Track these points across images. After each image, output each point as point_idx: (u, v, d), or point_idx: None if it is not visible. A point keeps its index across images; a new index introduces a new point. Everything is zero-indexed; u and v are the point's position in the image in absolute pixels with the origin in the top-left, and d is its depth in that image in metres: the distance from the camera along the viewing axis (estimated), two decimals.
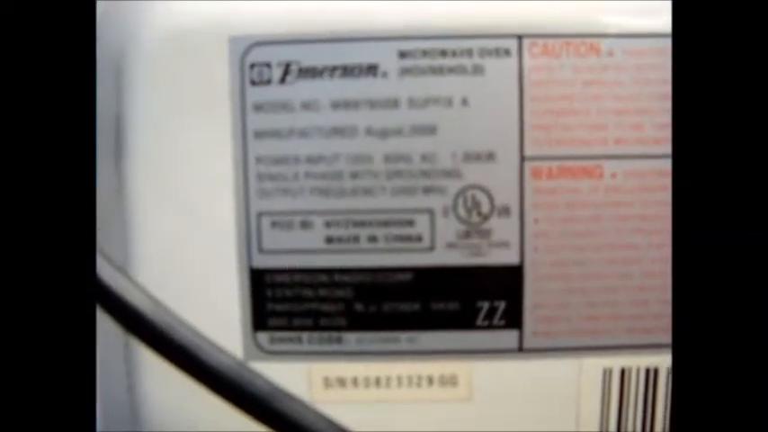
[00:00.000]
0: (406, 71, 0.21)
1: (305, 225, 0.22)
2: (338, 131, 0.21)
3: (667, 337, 0.22)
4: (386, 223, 0.22)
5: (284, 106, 0.21)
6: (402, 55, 0.21)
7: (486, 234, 0.22)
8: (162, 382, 0.23)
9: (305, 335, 0.22)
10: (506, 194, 0.21)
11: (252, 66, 0.21)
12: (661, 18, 0.21)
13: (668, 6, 0.21)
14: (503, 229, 0.22)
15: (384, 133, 0.21)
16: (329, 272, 0.22)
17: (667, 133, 0.21)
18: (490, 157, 0.21)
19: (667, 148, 0.21)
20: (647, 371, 0.22)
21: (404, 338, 0.22)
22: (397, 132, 0.21)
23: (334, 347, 0.22)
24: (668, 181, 0.22)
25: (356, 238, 0.22)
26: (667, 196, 0.22)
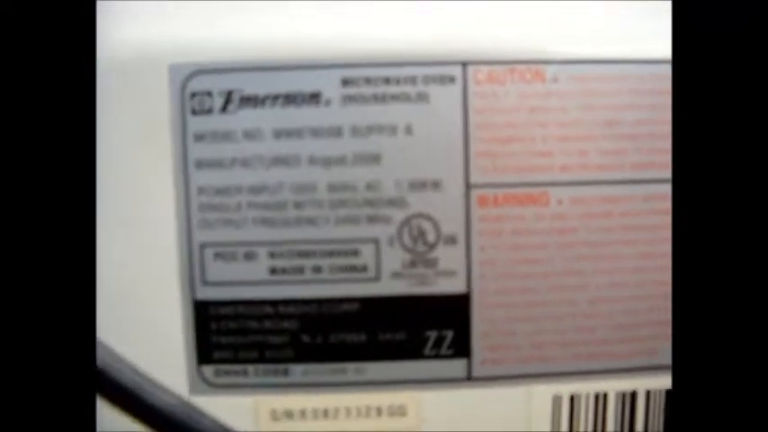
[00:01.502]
0: (349, 99, 0.21)
1: (249, 256, 0.21)
2: (281, 161, 0.21)
3: (615, 363, 0.22)
4: (331, 253, 0.21)
5: (226, 136, 0.21)
6: (345, 83, 0.21)
7: (432, 263, 0.21)
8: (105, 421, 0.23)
9: (251, 367, 0.22)
10: (452, 223, 0.21)
11: (193, 94, 0.21)
12: (605, 45, 0.21)
13: (612, 33, 0.22)
14: (449, 257, 0.21)
15: (327, 162, 0.21)
16: (274, 303, 0.22)
17: (612, 159, 0.21)
18: (435, 185, 0.21)
19: (612, 174, 0.21)
20: (597, 396, 0.22)
21: (351, 369, 0.22)
22: (341, 161, 0.21)
23: (281, 379, 0.22)
24: (613, 207, 0.22)
25: (301, 269, 0.21)
26: (612, 222, 0.22)
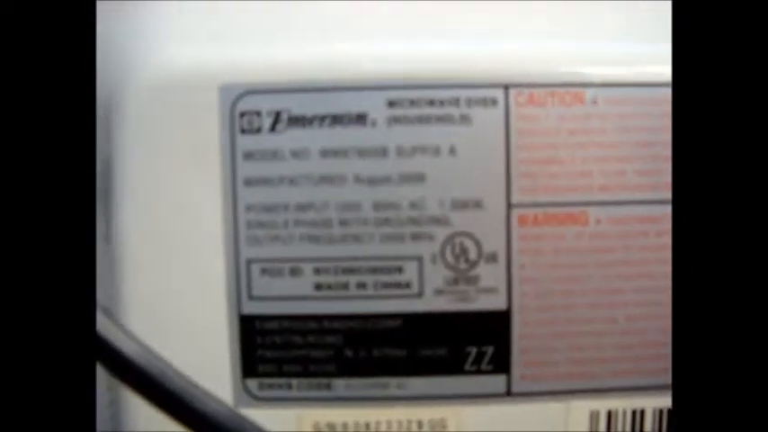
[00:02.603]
0: (394, 120, 0.22)
1: (294, 272, 0.22)
2: (327, 179, 0.22)
3: (652, 380, 0.22)
4: (375, 270, 0.22)
5: (274, 154, 0.22)
6: (390, 104, 0.22)
7: (473, 280, 0.22)
8: (148, 427, 0.23)
9: (294, 381, 0.22)
10: (493, 241, 0.22)
11: (242, 114, 0.22)
12: (643, 68, 0.22)
13: (650, 56, 0.22)
14: (490, 275, 0.22)
15: (373, 181, 0.22)
16: (318, 318, 0.22)
17: (649, 179, 0.22)
18: (477, 204, 0.22)
19: (650, 194, 0.22)
20: (634, 413, 0.23)
21: (393, 384, 0.22)
22: (386, 180, 0.22)
23: (324, 393, 0.22)
24: (651, 226, 0.22)
25: (345, 285, 0.22)
26: (650, 241, 0.22)
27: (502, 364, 0.22)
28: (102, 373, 0.23)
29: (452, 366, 0.22)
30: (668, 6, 0.22)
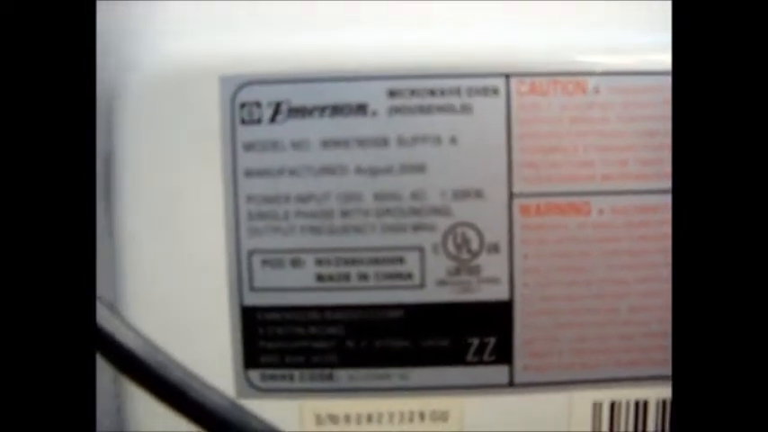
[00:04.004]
0: (395, 110, 0.21)
1: (296, 263, 0.22)
2: (328, 170, 0.22)
3: (655, 370, 0.22)
4: (376, 261, 0.22)
5: (274, 145, 0.22)
6: (391, 94, 0.21)
7: (475, 271, 0.22)
8: (152, 418, 0.23)
9: (296, 372, 0.22)
10: (495, 231, 0.22)
11: (242, 105, 0.22)
12: (645, 56, 0.22)
13: (652, 45, 0.22)
14: (492, 265, 0.22)
15: (374, 172, 0.22)
16: (320, 309, 0.22)
17: (652, 169, 0.22)
18: (479, 194, 0.22)
19: (652, 183, 0.22)
20: (637, 403, 0.23)
21: (395, 375, 0.22)
22: (387, 171, 0.22)
23: (326, 384, 0.22)
24: (654, 216, 0.22)
25: (347, 276, 0.22)
26: (653, 231, 0.22)
27: (504, 354, 0.22)
28: (106, 366, 0.23)
29: (454, 357, 0.22)
30: None
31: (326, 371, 0.22)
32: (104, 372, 0.23)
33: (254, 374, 0.22)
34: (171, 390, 0.20)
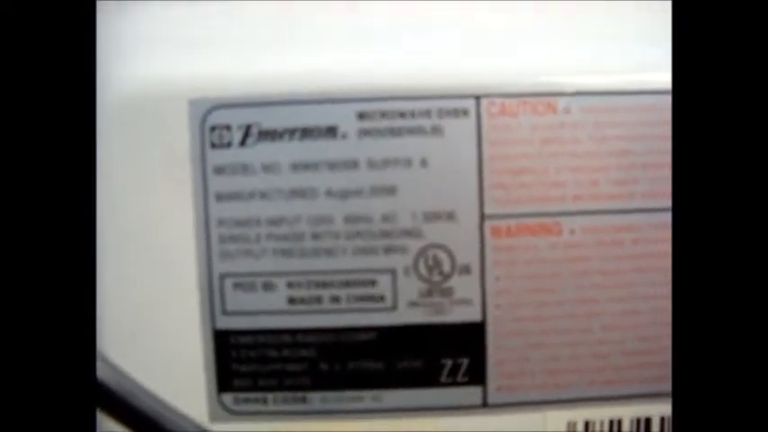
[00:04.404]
0: (365, 132, 0.21)
1: (268, 286, 0.22)
2: (299, 193, 0.22)
3: (629, 389, 0.22)
4: (348, 283, 0.22)
5: (245, 169, 0.22)
6: (361, 116, 0.21)
7: (447, 292, 0.22)
8: None
9: (270, 395, 0.22)
10: (467, 253, 0.22)
11: (212, 128, 0.22)
12: (616, 76, 0.22)
13: (623, 64, 0.22)
14: (464, 287, 0.22)
15: (344, 194, 0.22)
16: (293, 332, 0.22)
17: (624, 189, 0.22)
18: (450, 216, 0.22)
19: (624, 203, 0.22)
20: (611, 422, 0.23)
21: (368, 397, 0.22)
22: (358, 193, 0.22)
23: (300, 407, 0.22)
24: (625, 236, 0.22)
25: (319, 299, 0.22)
26: (625, 251, 0.22)
27: (477, 375, 0.22)
28: None
29: (428, 378, 0.22)
30: (642, 11, 0.22)
31: (300, 394, 0.22)
32: None
33: (228, 398, 0.22)
34: (140, 418, 0.20)
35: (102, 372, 0.20)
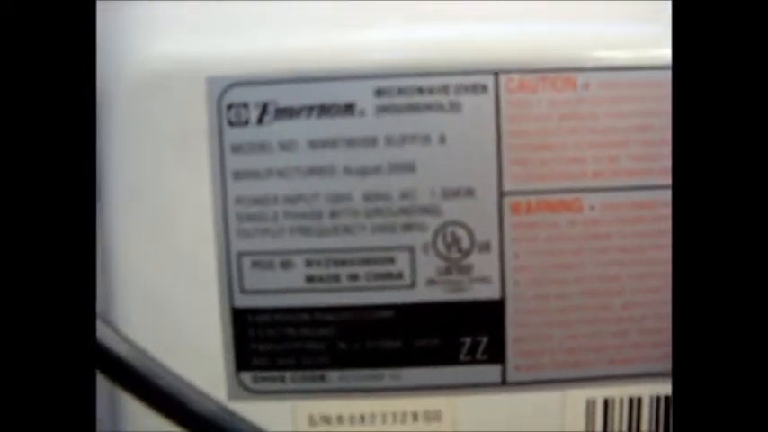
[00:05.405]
0: (383, 109, 0.21)
1: (286, 265, 0.22)
2: (316, 171, 0.21)
3: (649, 367, 0.22)
4: (366, 261, 0.22)
5: (262, 147, 0.21)
6: (379, 93, 0.21)
7: (466, 270, 0.22)
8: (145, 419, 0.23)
9: (288, 374, 0.22)
10: (486, 230, 0.22)
11: (229, 107, 0.21)
12: (635, 51, 0.22)
13: (642, 39, 0.22)
14: (483, 264, 0.22)
15: (362, 172, 0.21)
16: (311, 311, 0.22)
17: (643, 165, 0.22)
18: (469, 193, 0.21)
19: (644, 179, 0.22)
20: (631, 400, 0.22)
21: (387, 375, 0.22)
22: (376, 170, 0.21)
23: (318, 385, 0.22)
24: (646, 212, 0.22)
25: (337, 277, 0.22)
26: (645, 227, 0.22)
27: (496, 353, 0.22)
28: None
29: (447, 357, 0.22)
30: None
31: (318, 372, 0.22)
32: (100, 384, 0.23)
33: (246, 376, 0.22)
34: (161, 396, 0.20)
35: (125, 351, 0.20)
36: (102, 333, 0.20)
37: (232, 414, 0.21)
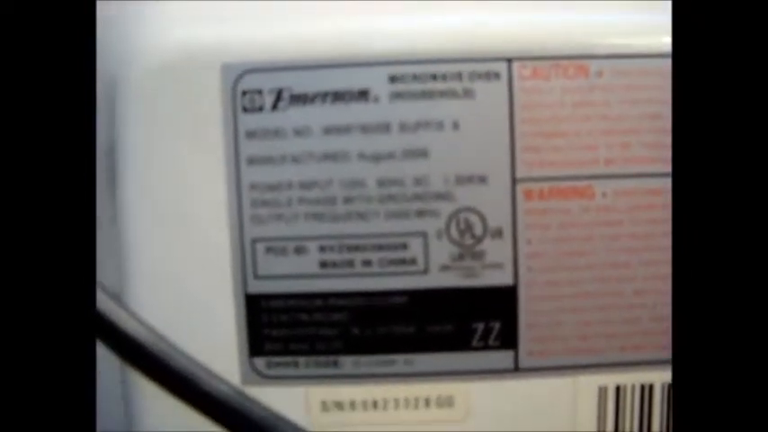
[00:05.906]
0: (396, 96, 0.21)
1: (299, 250, 0.22)
2: (331, 157, 0.22)
3: (660, 354, 0.22)
4: (380, 247, 0.22)
5: (277, 133, 0.22)
6: (393, 79, 0.21)
7: (479, 256, 0.22)
8: (159, 409, 0.23)
9: (301, 359, 0.22)
10: (499, 216, 0.22)
11: (244, 93, 0.22)
12: (648, 38, 0.22)
13: (655, 27, 0.22)
14: (496, 250, 0.22)
15: (376, 158, 0.22)
16: (324, 296, 0.22)
17: (656, 152, 0.22)
18: (482, 179, 0.22)
19: (656, 167, 0.22)
20: (642, 387, 0.22)
21: (400, 361, 0.22)
22: (390, 157, 0.22)
23: (331, 371, 0.22)
24: (658, 199, 0.22)
25: (350, 263, 0.22)
26: (657, 214, 0.22)
27: (509, 339, 0.22)
28: (112, 366, 0.23)
29: (459, 342, 0.22)
30: None
31: (331, 357, 0.22)
32: (111, 360, 0.23)
33: (260, 362, 0.22)
34: (175, 378, 0.20)
35: (140, 334, 0.20)
36: (119, 316, 0.20)
37: (246, 396, 0.21)
